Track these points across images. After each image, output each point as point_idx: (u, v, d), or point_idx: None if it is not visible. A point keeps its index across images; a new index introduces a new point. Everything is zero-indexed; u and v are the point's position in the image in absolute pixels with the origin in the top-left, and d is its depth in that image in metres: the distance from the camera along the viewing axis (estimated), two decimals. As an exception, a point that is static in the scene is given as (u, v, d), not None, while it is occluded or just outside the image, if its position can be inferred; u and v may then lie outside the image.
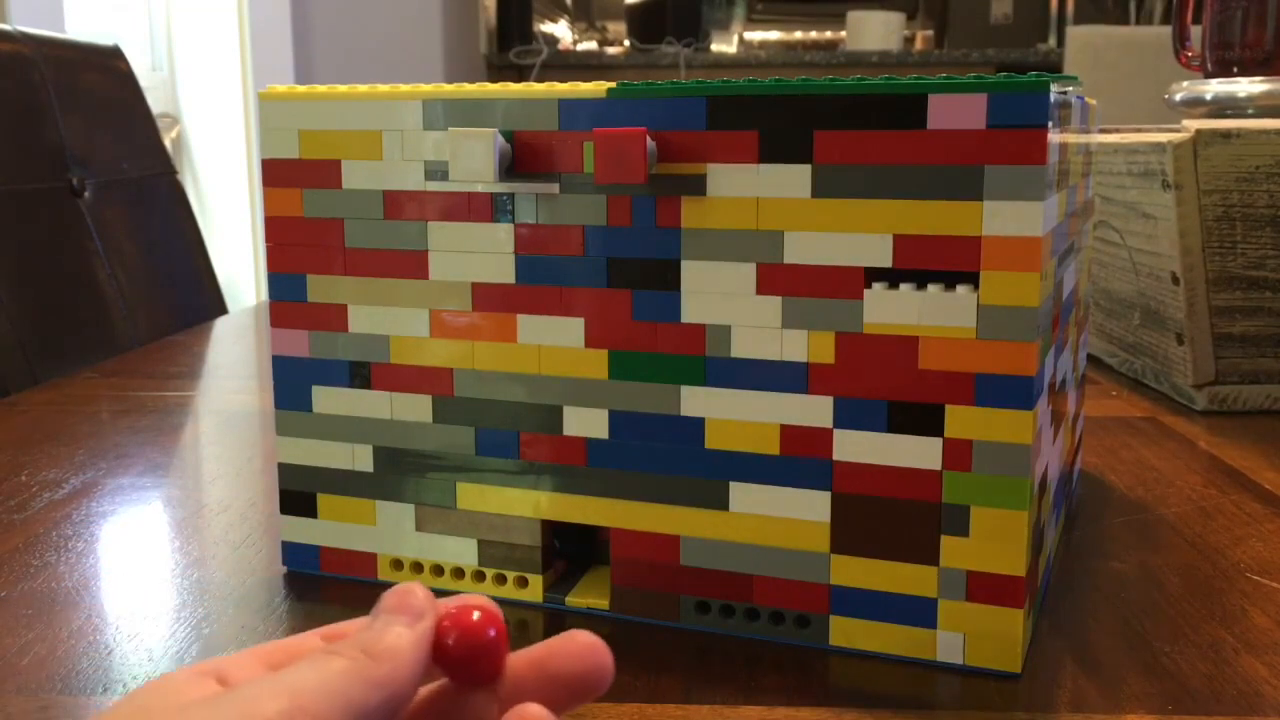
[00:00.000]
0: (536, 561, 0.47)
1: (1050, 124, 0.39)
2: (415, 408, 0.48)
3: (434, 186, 0.46)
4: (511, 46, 3.12)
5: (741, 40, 3.47)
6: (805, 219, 0.41)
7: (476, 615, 0.28)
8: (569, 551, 0.49)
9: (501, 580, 0.48)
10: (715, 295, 0.43)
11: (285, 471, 0.50)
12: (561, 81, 0.45)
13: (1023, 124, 0.38)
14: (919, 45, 3.42)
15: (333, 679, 0.26)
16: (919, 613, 0.42)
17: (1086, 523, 0.57)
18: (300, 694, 0.26)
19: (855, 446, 0.42)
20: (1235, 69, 1.00)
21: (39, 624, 0.46)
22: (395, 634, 0.27)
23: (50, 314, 1.10)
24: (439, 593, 0.32)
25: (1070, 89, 0.46)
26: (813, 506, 0.43)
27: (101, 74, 1.27)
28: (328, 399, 0.49)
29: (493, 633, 0.28)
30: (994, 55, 3.10)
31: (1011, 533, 0.40)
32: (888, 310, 0.41)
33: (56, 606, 0.48)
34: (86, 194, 1.19)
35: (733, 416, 0.43)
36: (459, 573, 0.48)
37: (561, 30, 3.43)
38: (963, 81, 0.39)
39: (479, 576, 0.48)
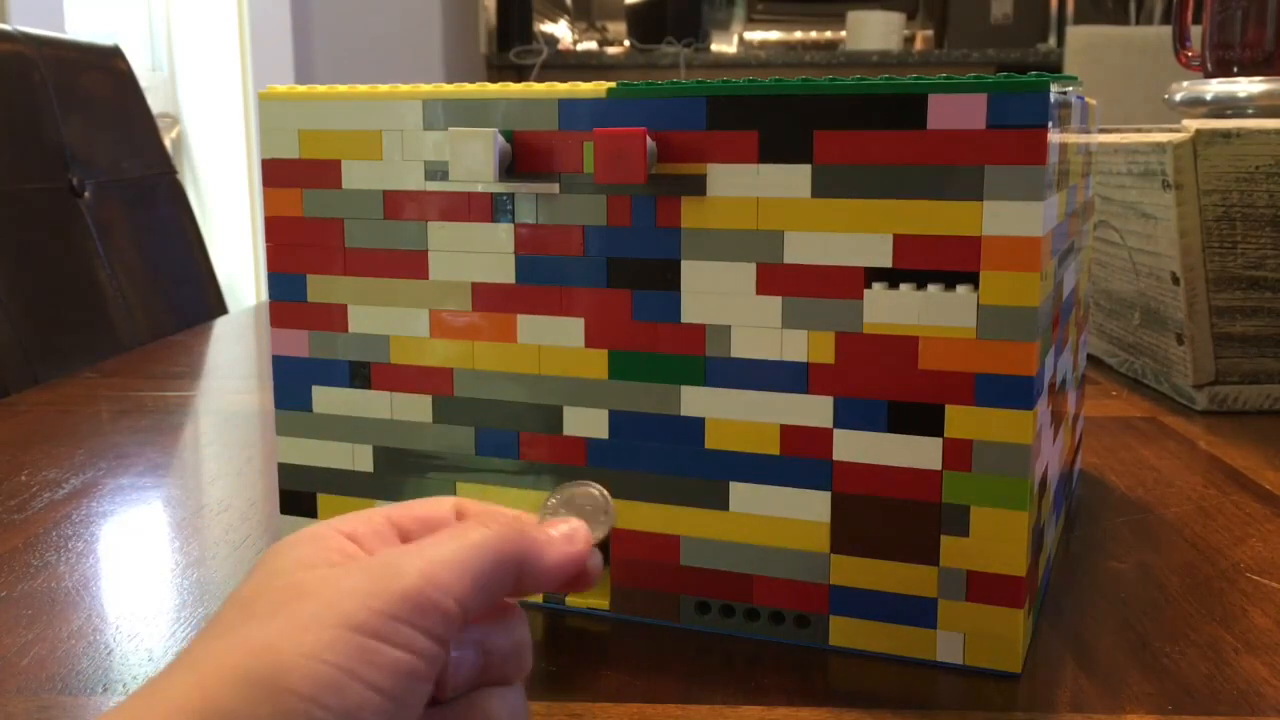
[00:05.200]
0: (536, 561, 0.47)
1: (1050, 124, 0.39)
2: (415, 408, 0.48)
3: (434, 186, 0.46)
4: (511, 46, 3.12)
5: (741, 40, 3.47)
6: (805, 219, 0.41)
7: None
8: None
9: (501, 580, 0.48)
10: (715, 295, 0.43)
11: (285, 471, 0.50)
12: (561, 81, 0.45)
13: (1023, 124, 0.38)
14: (919, 45, 3.42)
15: (481, 545, 0.29)
16: (919, 613, 0.42)
17: (1086, 523, 0.57)
18: (436, 562, 0.28)
19: (855, 446, 0.42)
20: (1235, 69, 1.00)
21: (39, 624, 0.46)
22: (548, 535, 0.31)
23: (50, 314, 1.10)
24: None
25: (1070, 89, 0.46)
26: (813, 506, 0.43)
27: (101, 74, 1.27)
28: (328, 399, 0.49)
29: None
30: (994, 55, 3.10)
31: (1011, 533, 0.40)
32: (888, 310, 0.41)
33: (56, 606, 0.48)
34: (86, 194, 1.19)
35: (733, 416, 0.43)
36: (459, 573, 0.48)
37: (561, 30, 3.43)
38: (963, 81, 0.39)
39: (479, 576, 0.48)
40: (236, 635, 0.26)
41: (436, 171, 0.46)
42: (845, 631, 0.43)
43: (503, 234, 0.45)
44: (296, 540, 0.29)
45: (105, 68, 1.28)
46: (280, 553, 0.29)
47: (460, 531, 0.29)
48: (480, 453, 0.47)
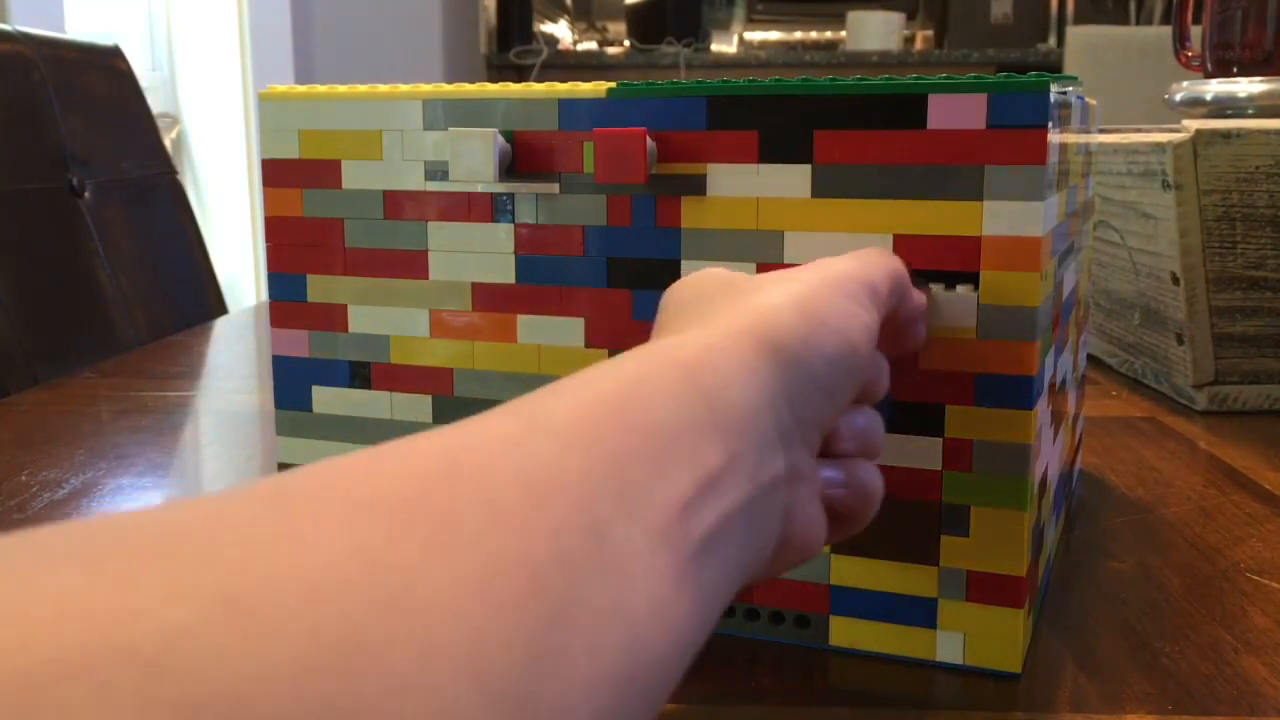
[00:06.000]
0: (536, 561, 0.47)
1: (1050, 124, 0.39)
2: (415, 408, 0.48)
3: (434, 186, 0.46)
4: (511, 46, 3.12)
5: (741, 40, 3.47)
6: (805, 219, 0.41)
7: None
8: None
9: (501, 580, 0.48)
10: (715, 295, 0.43)
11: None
12: (561, 81, 0.45)
13: (1023, 124, 0.38)
14: (919, 45, 3.42)
15: (881, 256, 0.36)
16: (919, 613, 0.42)
17: (1086, 523, 0.57)
18: (861, 258, 0.35)
19: (855, 446, 0.42)
20: (1235, 69, 1.00)
21: (39, 624, 0.46)
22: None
23: (50, 314, 1.10)
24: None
25: (1070, 89, 0.46)
26: (813, 506, 0.43)
27: (101, 74, 1.27)
28: (328, 399, 0.49)
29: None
30: (994, 55, 3.10)
31: (1011, 533, 0.40)
32: (888, 310, 0.41)
33: (56, 606, 0.48)
34: (86, 194, 1.19)
35: (733, 416, 0.43)
36: (459, 573, 0.48)
37: (561, 30, 3.43)
38: (963, 81, 0.39)
39: (479, 576, 0.48)
40: (748, 296, 0.32)
41: (436, 171, 0.46)
42: (845, 631, 0.43)
43: (503, 234, 0.45)
44: (723, 271, 0.35)
45: (105, 68, 1.28)
46: (711, 274, 0.35)
47: (863, 251, 0.37)
48: (480, 453, 0.47)
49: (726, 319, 0.30)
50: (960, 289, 0.40)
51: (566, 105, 0.44)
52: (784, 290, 0.31)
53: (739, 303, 0.31)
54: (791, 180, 0.41)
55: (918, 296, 0.38)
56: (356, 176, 0.47)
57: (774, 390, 0.29)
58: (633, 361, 0.27)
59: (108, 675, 0.13)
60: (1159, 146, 0.78)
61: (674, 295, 0.35)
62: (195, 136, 2.58)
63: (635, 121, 0.43)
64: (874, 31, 3.19)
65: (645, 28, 3.25)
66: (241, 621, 0.15)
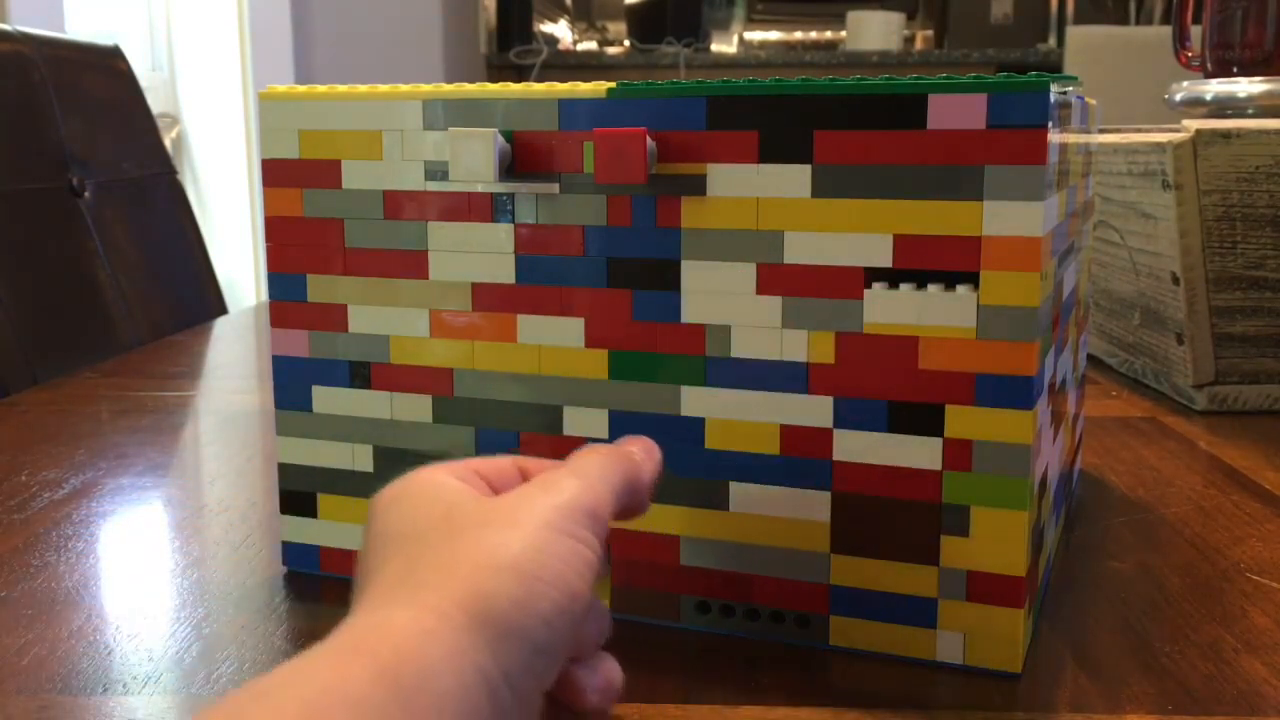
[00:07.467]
0: (536, 561, 0.47)
1: (1050, 124, 0.39)
2: (415, 408, 0.48)
3: (434, 186, 0.46)
4: (511, 46, 3.12)
5: (741, 40, 3.47)
6: (805, 219, 0.41)
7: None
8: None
9: (501, 580, 0.48)
10: (715, 295, 0.43)
11: (285, 471, 0.50)
12: (561, 81, 0.45)
13: (1023, 124, 0.38)
14: (919, 45, 3.42)
15: (607, 465, 0.35)
16: (919, 613, 0.42)
17: (1086, 523, 0.57)
18: (587, 474, 0.34)
19: (855, 446, 0.42)
20: (1235, 69, 1.00)
21: (39, 624, 0.46)
22: (642, 459, 0.37)
23: (50, 314, 1.10)
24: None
25: (1070, 89, 0.46)
26: (813, 506, 0.43)
27: (101, 74, 1.27)
28: (328, 399, 0.49)
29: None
30: (994, 55, 3.09)
31: (1011, 533, 0.40)
32: (888, 310, 0.41)
33: (56, 606, 0.48)
34: (86, 194, 1.19)
35: (733, 416, 0.43)
36: (459, 573, 0.48)
37: (561, 30, 3.43)
38: (963, 81, 0.39)
39: (479, 576, 0.48)
40: (462, 546, 0.30)
41: (436, 171, 0.46)
42: (845, 631, 0.43)
43: (503, 234, 0.45)
44: (436, 483, 0.34)
45: (105, 68, 1.28)
46: (422, 495, 0.33)
47: (590, 460, 0.35)
48: (480, 453, 0.47)
49: (437, 587, 0.29)
50: (960, 289, 0.40)
51: (566, 105, 0.44)
52: (500, 543, 0.30)
53: (452, 559, 0.30)
54: (791, 180, 0.41)
55: (647, 475, 0.37)
56: (356, 176, 0.47)
57: (488, 670, 0.27)
58: (326, 663, 0.26)
59: None
60: (1159, 146, 0.78)
61: (385, 516, 0.33)
62: (195, 136, 2.58)
63: (635, 121, 0.43)
64: (874, 31, 3.19)
65: (645, 28, 3.25)
66: None
